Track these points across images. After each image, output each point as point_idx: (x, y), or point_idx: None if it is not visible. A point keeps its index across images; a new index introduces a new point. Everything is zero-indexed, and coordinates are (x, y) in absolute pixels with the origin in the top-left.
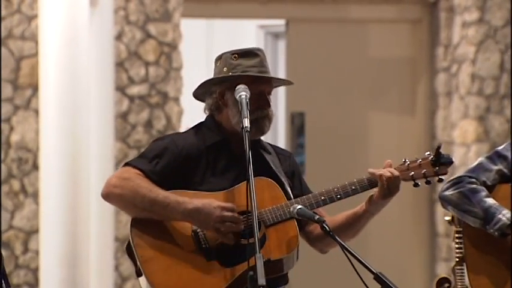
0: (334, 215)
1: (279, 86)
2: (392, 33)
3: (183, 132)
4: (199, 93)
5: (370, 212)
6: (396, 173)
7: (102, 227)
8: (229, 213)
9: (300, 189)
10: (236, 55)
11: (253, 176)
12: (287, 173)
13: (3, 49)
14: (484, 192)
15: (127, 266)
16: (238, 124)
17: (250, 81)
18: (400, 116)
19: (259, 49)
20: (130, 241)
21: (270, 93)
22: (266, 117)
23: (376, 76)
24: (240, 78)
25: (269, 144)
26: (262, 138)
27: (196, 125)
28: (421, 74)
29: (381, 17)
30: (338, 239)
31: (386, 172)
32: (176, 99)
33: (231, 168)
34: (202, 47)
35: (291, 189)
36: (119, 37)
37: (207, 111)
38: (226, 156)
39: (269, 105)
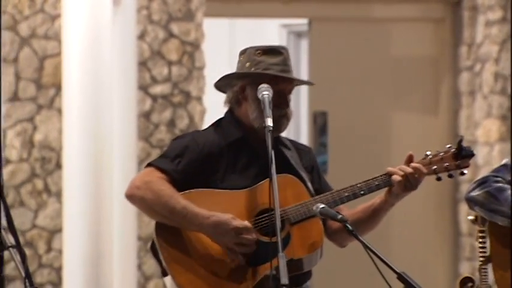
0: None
1: (300, 84)
2: (415, 32)
3: (203, 130)
4: (221, 85)
5: (389, 203)
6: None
7: (125, 226)
8: (244, 237)
9: (319, 183)
10: (260, 51)
11: (276, 173)
12: (307, 168)
13: (26, 49)
14: (511, 191)
15: (150, 265)
16: (256, 120)
17: (271, 80)
18: (423, 115)
19: (283, 47)
20: (155, 241)
21: (290, 92)
22: (285, 116)
23: (399, 75)
24: (261, 75)
25: (288, 139)
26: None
27: (215, 122)
28: (444, 73)
29: (404, 15)
30: (361, 238)
31: (407, 169)
32: (199, 99)
33: (252, 165)
34: (224, 46)
35: (312, 184)
36: (141, 36)
37: (226, 104)
38: (246, 153)
39: (288, 105)
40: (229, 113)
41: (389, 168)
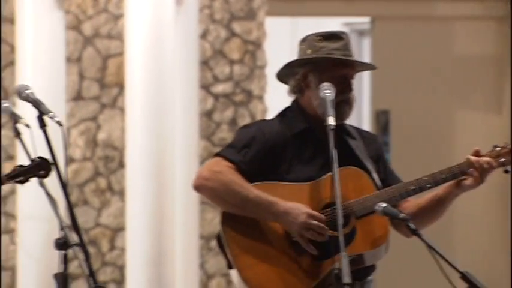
0: None
1: (362, 70)
2: (478, 31)
3: (269, 120)
4: (283, 75)
5: (454, 194)
6: (493, 163)
7: (187, 224)
8: (315, 222)
9: (385, 173)
10: (321, 37)
11: (340, 166)
12: (372, 157)
13: (90, 48)
14: None
15: (212, 264)
16: (319, 107)
17: (333, 64)
18: (486, 113)
19: (343, 32)
20: (222, 235)
21: (352, 78)
22: (346, 101)
23: (462, 74)
24: (323, 60)
25: (353, 127)
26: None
27: (281, 112)
28: (507, 71)
29: (467, 14)
30: (424, 237)
31: (484, 162)
32: (260, 98)
33: (318, 155)
34: (286, 45)
35: (377, 174)
36: (203, 36)
37: (290, 94)
38: (312, 143)
39: (351, 90)
40: (295, 102)
41: (471, 158)
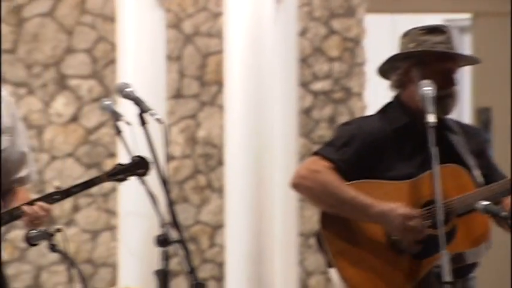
0: None
1: (465, 65)
2: None
3: (369, 116)
4: (385, 70)
5: None
6: None
7: (286, 222)
8: (411, 223)
9: (487, 168)
10: (424, 31)
11: (440, 163)
12: (474, 152)
13: (190, 46)
14: None
15: (311, 261)
16: (421, 102)
17: (437, 58)
18: None
19: (446, 26)
20: (321, 234)
21: (455, 72)
22: (450, 95)
23: None
24: (426, 54)
25: (455, 121)
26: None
27: (382, 108)
28: None
29: None
30: None
31: None
32: (359, 95)
33: (418, 152)
34: (386, 42)
35: (480, 169)
36: (302, 33)
37: (392, 89)
38: (412, 139)
39: (453, 84)
40: (396, 98)
41: None
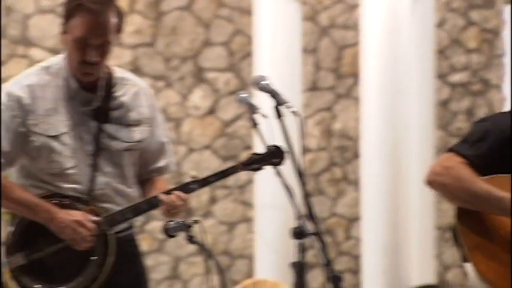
0: None
1: None
2: None
3: (505, 112)
4: None
5: None
6: None
7: (423, 215)
8: None
9: None
10: None
11: None
12: None
13: (326, 39)
14: None
15: (449, 255)
16: None
17: None
18: None
19: None
20: (457, 227)
21: None
22: None
23: None
24: None
25: None
26: None
27: None
28: None
29: None
30: None
31: None
32: (498, 87)
33: None
34: None
35: None
36: (440, 24)
37: None
38: None
39: None
40: None
41: None
